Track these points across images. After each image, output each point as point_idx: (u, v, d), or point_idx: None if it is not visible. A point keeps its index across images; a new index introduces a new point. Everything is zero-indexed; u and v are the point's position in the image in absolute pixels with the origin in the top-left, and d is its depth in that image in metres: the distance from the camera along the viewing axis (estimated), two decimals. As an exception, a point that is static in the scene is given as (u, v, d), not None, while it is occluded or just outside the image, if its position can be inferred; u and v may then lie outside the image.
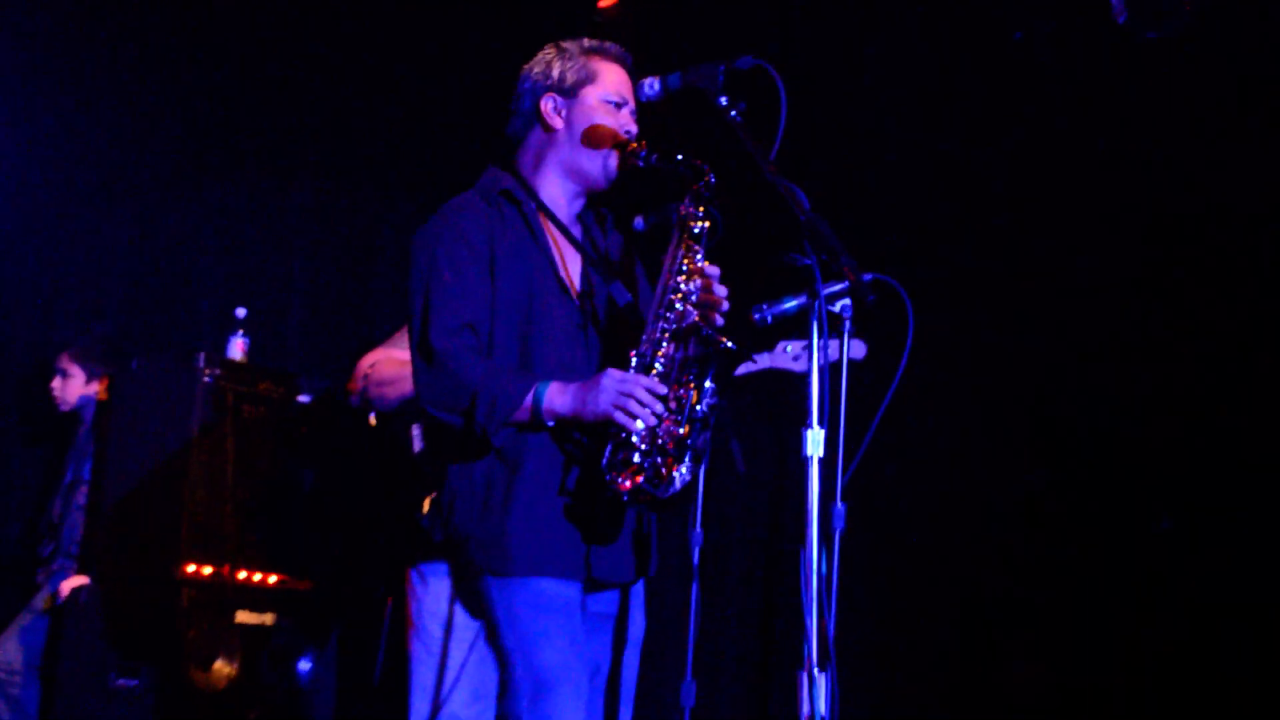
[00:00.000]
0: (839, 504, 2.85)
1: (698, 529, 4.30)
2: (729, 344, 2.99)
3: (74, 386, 5.94)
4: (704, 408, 2.99)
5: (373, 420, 5.24)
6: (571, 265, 3.28)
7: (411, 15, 6.47)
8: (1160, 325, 5.18)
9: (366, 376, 5.27)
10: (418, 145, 6.75)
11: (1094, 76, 5.27)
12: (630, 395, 2.93)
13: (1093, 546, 5.30)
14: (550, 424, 3.02)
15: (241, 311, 5.75)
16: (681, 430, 2.96)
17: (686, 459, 2.96)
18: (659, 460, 2.96)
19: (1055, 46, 5.32)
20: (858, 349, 4.50)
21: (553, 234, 3.27)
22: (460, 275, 3.10)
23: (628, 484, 2.94)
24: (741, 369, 4.53)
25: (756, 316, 3.13)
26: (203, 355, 5.36)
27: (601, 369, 3.09)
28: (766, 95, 3.09)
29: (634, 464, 2.95)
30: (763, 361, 4.65)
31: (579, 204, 3.35)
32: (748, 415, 5.80)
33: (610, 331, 3.25)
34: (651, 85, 3.23)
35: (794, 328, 3.22)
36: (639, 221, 3.51)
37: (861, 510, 3.31)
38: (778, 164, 2.95)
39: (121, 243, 6.51)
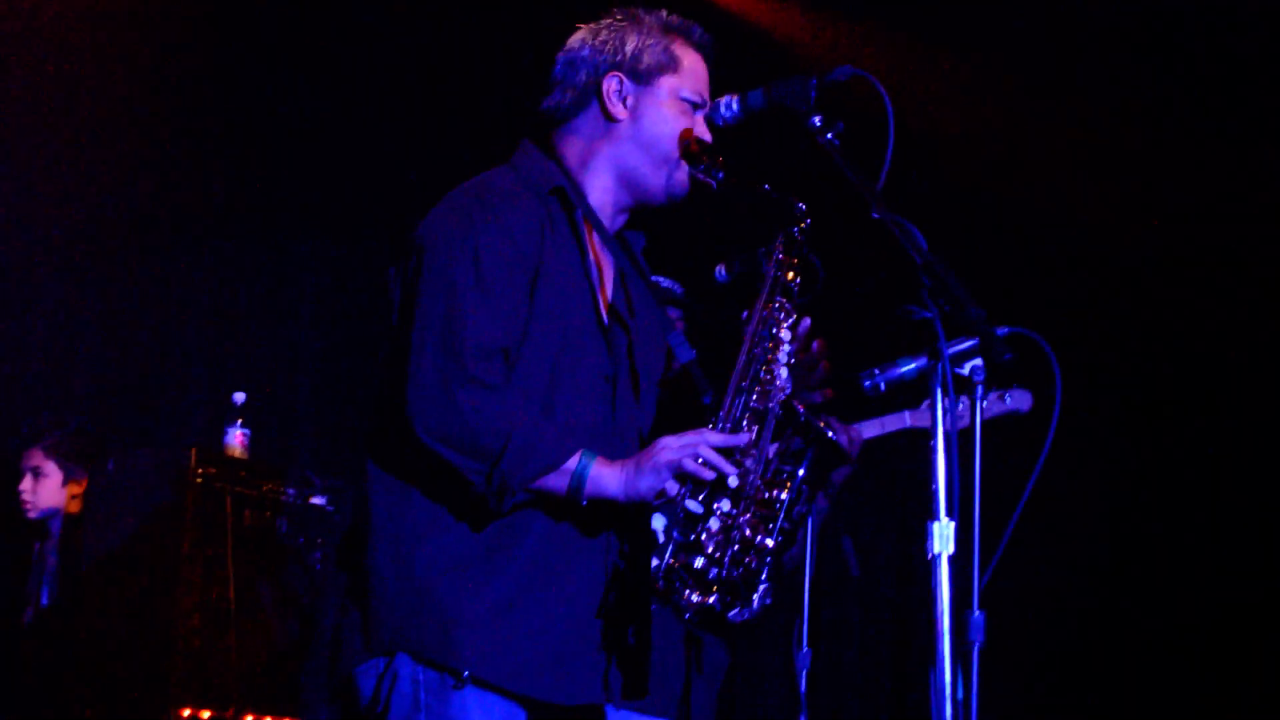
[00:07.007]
0: (976, 612, 2.81)
1: (805, 648, 4.27)
2: (832, 433, 2.92)
3: (49, 488, 5.92)
4: (794, 514, 2.91)
5: None
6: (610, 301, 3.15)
7: (427, 47, 6.51)
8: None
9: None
10: (444, 188, 6.77)
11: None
12: (696, 454, 2.79)
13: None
14: (584, 504, 2.85)
15: (240, 397, 5.75)
16: (770, 542, 2.88)
17: (764, 576, 2.88)
18: (735, 574, 2.86)
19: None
20: (1021, 400, 4.46)
21: (598, 257, 3.13)
22: (505, 285, 2.93)
23: (696, 599, 2.84)
24: (879, 429, 4.50)
25: (867, 384, 3.10)
26: (194, 451, 5.36)
27: (641, 443, 2.99)
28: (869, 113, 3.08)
29: (697, 572, 2.84)
30: (903, 421, 4.59)
31: (622, 219, 3.22)
32: (864, 500, 5.76)
33: (646, 398, 3.14)
34: (729, 104, 3.19)
35: (920, 393, 3.20)
36: (720, 271, 3.47)
37: (1006, 618, 3.28)
38: (886, 197, 2.92)
39: (93, 318, 6.54)
